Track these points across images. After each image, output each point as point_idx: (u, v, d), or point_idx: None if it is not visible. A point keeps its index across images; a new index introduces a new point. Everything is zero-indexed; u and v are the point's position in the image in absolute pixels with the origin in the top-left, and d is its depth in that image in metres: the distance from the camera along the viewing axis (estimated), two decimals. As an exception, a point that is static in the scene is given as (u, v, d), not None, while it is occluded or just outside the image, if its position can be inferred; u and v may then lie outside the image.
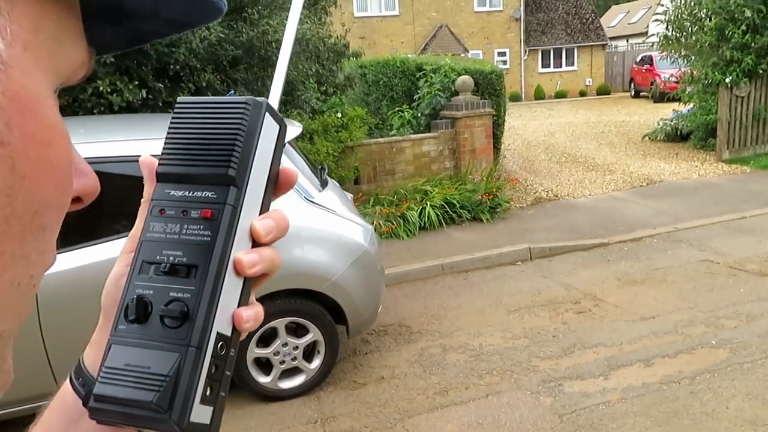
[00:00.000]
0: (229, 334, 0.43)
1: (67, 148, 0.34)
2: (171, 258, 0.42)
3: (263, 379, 3.64)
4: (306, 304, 3.63)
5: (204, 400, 0.41)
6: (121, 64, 5.14)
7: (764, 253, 5.76)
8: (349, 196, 4.74)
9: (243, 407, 3.65)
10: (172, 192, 0.44)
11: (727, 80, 9.66)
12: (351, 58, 8.67)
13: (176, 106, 0.46)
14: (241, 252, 0.43)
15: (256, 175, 0.45)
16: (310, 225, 3.61)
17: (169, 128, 0.45)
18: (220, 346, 0.42)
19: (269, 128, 0.46)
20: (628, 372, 3.83)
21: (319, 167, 4.45)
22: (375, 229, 6.53)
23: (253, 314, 0.44)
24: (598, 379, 3.78)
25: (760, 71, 9.73)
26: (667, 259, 5.86)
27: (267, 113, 0.45)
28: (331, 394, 3.79)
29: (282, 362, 3.65)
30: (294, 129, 4.12)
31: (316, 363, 3.73)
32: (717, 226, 6.77)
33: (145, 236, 0.44)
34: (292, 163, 3.71)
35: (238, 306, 0.44)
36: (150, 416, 0.39)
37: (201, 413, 0.40)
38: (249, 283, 0.45)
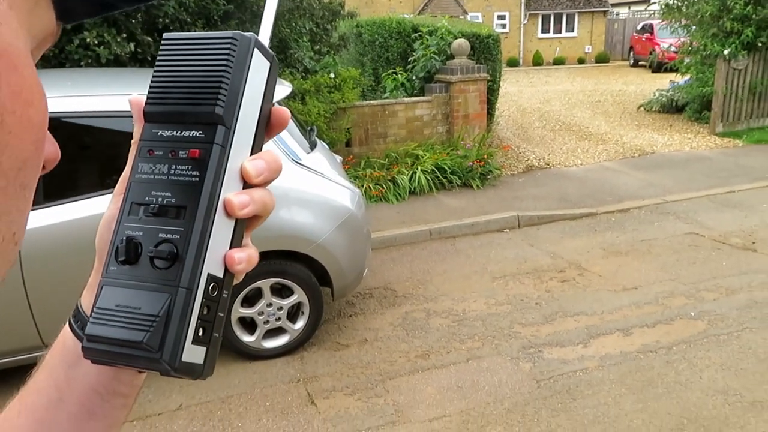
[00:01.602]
0: (221, 275, 0.43)
1: (45, 109, 0.35)
2: (160, 199, 0.42)
3: (247, 338, 3.68)
4: (291, 266, 3.65)
5: (196, 341, 0.41)
6: (109, 15, 5.03)
7: (749, 228, 5.82)
8: (338, 158, 4.72)
9: (226, 365, 3.70)
10: (160, 132, 0.44)
11: (726, 52, 9.57)
12: (346, 17, 8.52)
13: (162, 42, 0.45)
14: (231, 193, 0.43)
15: (246, 113, 0.44)
16: (296, 187, 3.60)
17: (156, 65, 0.44)
18: (212, 287, 0.42)
19: (259, 64, 0.45)
20: (607, 340, 3.90)
21: (309, 128, 4.42)
22: (365, 193, 6.53)
23: (245, 256, 0.44)
24: (578, 346, 3.85)
25: (759, 44, 9.64)
26: (653, 230, 5.90)
27: (256, 49, 0.44)
28: (314, 355, 3.84)
29: (266, 322, 3.68)
30: (283, 89, 4.07)
31: (300, 324, 3.78)
32: (705, 199, 6.81)
33: (133, 177, 0.44)
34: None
35: (230, 248, 0.44)
36: (142, 356, 0.39)
37: (194, 353, 0.41)
38: (241, 224, 0.45)
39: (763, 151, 9.05)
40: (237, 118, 0.43)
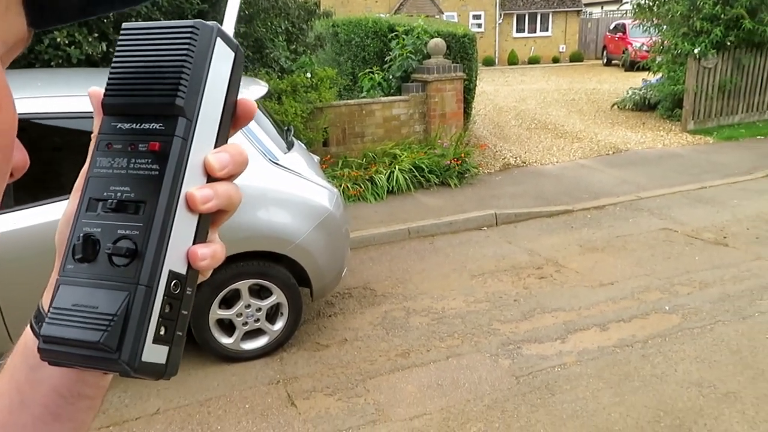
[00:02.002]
0: (183, 272, 0.42)
1: (13, 115, 0.33)
2: (119, 194, 0.41)
3: (225, 340, 3.65)
4: (269, 267, 3.62)
5: (158, 340, 0.39)
6: (79, 15, 4.94)
7: (720, 223, 5.94)
8: (316, 158, 4.70)
9: (205, 368, 3.66)
10: (119, 125, 0.42)
11: (696, 51, 9.76)
12: (322, 17, 8.49)
13: (121, 32, 0.43)
14: (194, 187, 0.42)
15: (209, 105, 0.42)
16: (274, 187, 3.58)
17: (115, 56, 0.43)
18: (174, 284, 0.41)
19: (222, 55, 0.43)
20: (585, 336, 3.94)
21: (285, 128, 4.39)
22: (343, 192, 6.51)
23: (209, 252, 0.43)
24: (556, 342, 3.88)
25: (728, 43, 9.84)
26: (629, 227, 5.99)
27: (219, 38, 0.43)
28: (293, 356, 3.82)
29: (245, 324, 3.65)
30: (259, 88, 4.04)
31: (279, 325, 3.75)
32: (678, 195, 6.93)
33: (91, 172, 0.42)
34: (257, 124, 3.65)
35: (194, 243, 0.42)
36: (99, 356, 0.38)
37: (155, 353, 0.40)
38: (205, 219, 0.43)
39: (733, 147, 9.24)
40: (199, 110, 0.42)
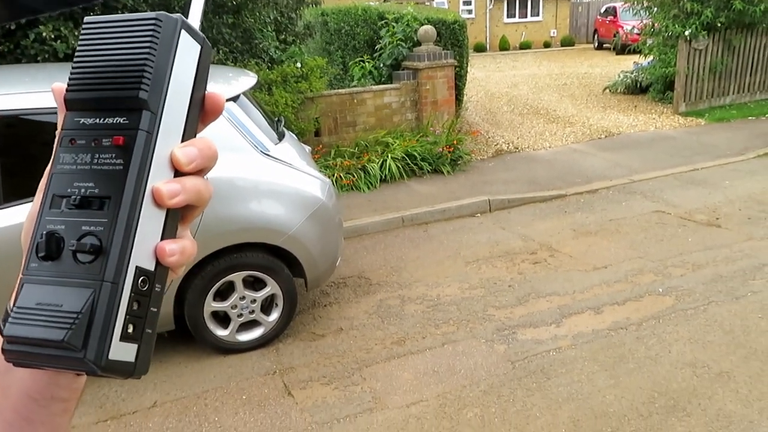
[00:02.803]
0: (152, 268, 0.41)
1: None
2: (82, 190, 0.40)
3: (221, 333, 3.65)
4: (263, 258, 3.62)
5: (125, 338, 0.39)
6: (65, 9, 4.89)
7: (713, 204, 5.96)
8: (307, 148, 4.68)
9: (201, 360, 3.66)
10: (83, 120, 0.42)
11: (687, 33, 9.74)
12: (311, 5, 8.43)
13: (83, 26, 0.43)
14: (160, 181, 0.41)
15: (174, 98, 0.42)
16: (266, 178, 3.57)
17: (77, 50, 0.42)
18: (142, 281, 0.40)
19: (187, 47, 0.43)
20: (579, 319, 3.96)
21: (276, 119, 4.37)
22: (336, 182, 6.50)
23: (178, 248, 0.42)
24: (550, 326, 3.90)
25: (719, 24, 9.82)
26: (621, 210, 6.01)
27: (183, 30, 0.42)
28: (289, 346, 3.83)
29: (240, 315, 3.65)
30: (249, 79, 4.02)
31: (274, 316, 3.75)
32: (670, 177, 6.95)
33: (55, 169, 0.42)
34: (247, 115, 3.63)
35: (162, 239, 0.42)
36: (65, 356, 0.37)
37: (123, 351, 0.39)
38: (174, 215, 0.43)
39: (724, 129, 9.26)
40: (164, 103, 0.41)
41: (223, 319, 3.67)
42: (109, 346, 0.38)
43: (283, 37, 7.82)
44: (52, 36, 4.82)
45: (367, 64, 8.51)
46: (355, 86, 8.25)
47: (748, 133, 8.77)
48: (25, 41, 4.84)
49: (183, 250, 0.42)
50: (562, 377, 3.35)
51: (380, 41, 8.65)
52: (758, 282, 4.28)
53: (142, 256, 0.40)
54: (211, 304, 3.56)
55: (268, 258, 3.63)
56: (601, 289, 4.35)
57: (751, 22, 9.97)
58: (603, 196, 6.48)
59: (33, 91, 3.18)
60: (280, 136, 4.00)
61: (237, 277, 3.57)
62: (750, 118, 9.80)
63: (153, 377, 3.45)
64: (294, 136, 4.78)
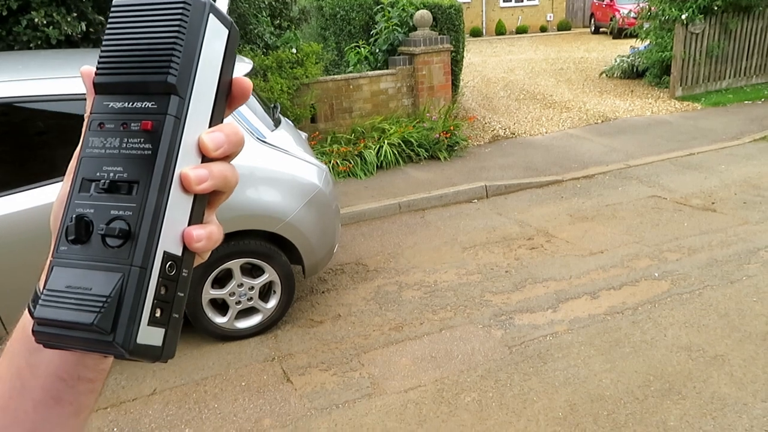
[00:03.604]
0: (179, 253, 0.41)
1: None
2: (111, 174, 0.40)
3: (219, 320, 3.66)
4: (261, 245, 3.62)
5: (153, 322, 0.39)
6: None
7: (708, 189, 5.98)
8: (304, 135, 4.66)
9: (200, 347, 3.68)
10: (111, 104, 0.42)
11: (683, 17, 9.70)
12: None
13: (112, 9, 0.42)
14: (188, 167, 0.41)
15: (202, 83, 0.42)
16: (262, 165, 3.56)
17: (106, 34, 0.42)
18: (169, 266, 0.40)
19: (215, 31, 0.42)
20: (576, 304, 3.99)
21: (272, 106, 4.35)
22: (332, 168, 6.49)
23: (205, 233, 0.42)
24: (547, 311, 3.93)
25: (715, 8, 9.79)
26: (618, 195, 6.02)
27: (211, 15, 0.42)
28: (288, 333, 3.84)
29: (238, 302, 3.66)
30: (244, 65, 3.99)
31: (272, 303, 3.76)
32: (666, 162, 6.96)
33: (84, 152, 0.42)
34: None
35: (189, 224, 0.42)
36: (94, 339, 0.38)
37: (150, 335, 0.39)
38: (201, 200, 0.43)
39: (720, 113, 9.26)
40: (192, 88, 0.41)
41: (221, 306, 3.68)
42: (138, 330, 0.38)
43: (278, 22, 7.76)
44: (44, 22, 4.77)
45: (362, 49, 8.46)
46: (351, 72, 8.20)
47: (744, 118, 8.78)
48: (18, 27, 4.79)
49: (210, 235, 0.43)
50: (559, 362, 3.38)
51: (376, 26, 8.59)
52: (753, 266, 4.31)
53: (169, 241, 0.40)
54: (210, 292, 3.57)
55: (265, 245, 3.63)
56: (598, 274, 4.37)
57: (748, 6, 9.94)
58: (599, 182, 6.49)
59: (27, 78, 3.15)
60: (277, 123, 3.98)
61: (235, 265, 3.58)
62: (746, 102, 9.80)
63: (151, 365, 3.47)
64: (290, 122, 4.76)
